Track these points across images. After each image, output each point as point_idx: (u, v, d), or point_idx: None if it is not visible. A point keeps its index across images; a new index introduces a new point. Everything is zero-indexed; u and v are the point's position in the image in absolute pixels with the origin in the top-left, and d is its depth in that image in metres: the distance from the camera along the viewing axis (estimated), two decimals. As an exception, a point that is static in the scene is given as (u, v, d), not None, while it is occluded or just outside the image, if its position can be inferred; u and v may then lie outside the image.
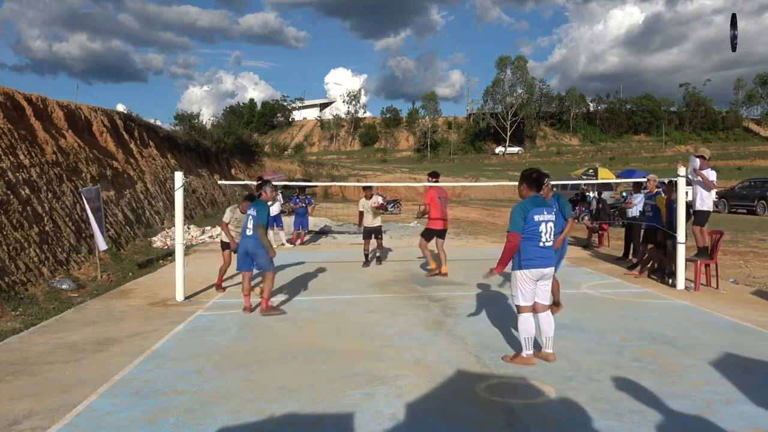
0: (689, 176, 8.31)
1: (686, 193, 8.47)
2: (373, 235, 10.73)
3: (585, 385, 4.30)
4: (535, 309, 4.87)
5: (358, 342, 5.51)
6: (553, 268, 4.95)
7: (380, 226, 10.81)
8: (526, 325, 4.81)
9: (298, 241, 14.45)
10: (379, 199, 10.81)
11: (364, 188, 10.96)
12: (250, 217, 6.74)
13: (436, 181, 9.65)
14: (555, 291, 6.26)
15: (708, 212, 8.47)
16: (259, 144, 48.35)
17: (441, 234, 9.36)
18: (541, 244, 4.75)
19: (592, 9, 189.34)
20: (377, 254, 10.96)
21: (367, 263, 10.66)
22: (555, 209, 4.99)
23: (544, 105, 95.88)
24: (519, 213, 4.73)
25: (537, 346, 4.92)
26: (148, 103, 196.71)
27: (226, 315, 6.71)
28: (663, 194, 9.08)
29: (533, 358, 4.82)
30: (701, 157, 8.38)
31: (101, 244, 9.02)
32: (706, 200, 8.36)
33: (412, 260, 11.23)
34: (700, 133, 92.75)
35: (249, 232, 6.71)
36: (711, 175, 8.29)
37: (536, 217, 4.74)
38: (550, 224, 4.82)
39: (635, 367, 4.72)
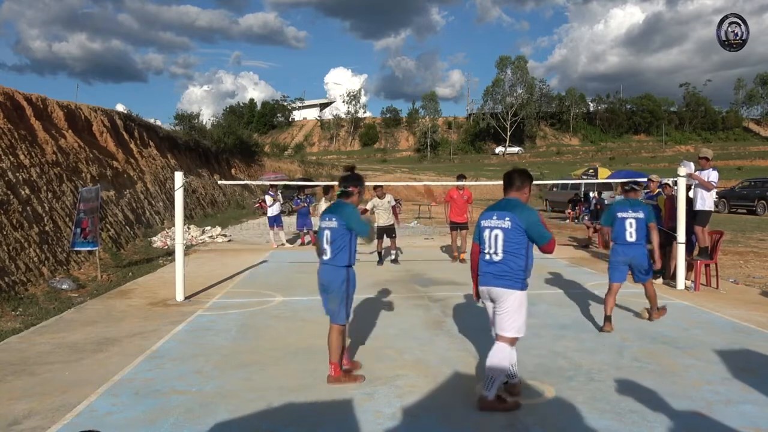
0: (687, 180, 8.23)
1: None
2: (385, 235, 10.74)
3: (585, 385, 4.30)
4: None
5: (358, 342, 5.51)
6: (506, 289, 3.83)
7: (393, 224, 10.82)
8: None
9: (306, 239, 14.17)
10: (393, 201, 10.80)
11: (375, 187, 10.91)
12: (328, 230, 4.38)
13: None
14: (651, 297, 6.16)
15: (709, 212, 8.46)
16: (259, 144, 48.31)
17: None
18: (487, 257, 3.94)
19: (592, 9, 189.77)
20: (392, 254, 10.96)
21: (380, 262, 10.68)
22: (512, 219, 3.85)
23: (544, 105, 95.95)
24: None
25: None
26: (148, 103, 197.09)
27: (226, 315, 6.70)
28: (663, 194, 9.08)
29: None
30: (704, 158, 8.36)
31: (71, 243, 8.96)
32: (707, 200, 8.35)
33: (413, 260, 11.24)
34: (700, 133, 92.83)
35: (327, 255, 4.40)
36: (713, 175, 8.27)
37: (482, 223, 3.99)
38: (497, 232, 3.87)
39: (635, 367, 4.72)
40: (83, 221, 8.99)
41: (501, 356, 3.85)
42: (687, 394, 4.10)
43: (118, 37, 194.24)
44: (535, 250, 3.96)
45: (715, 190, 8.53)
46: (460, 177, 11.51)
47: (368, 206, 10.81)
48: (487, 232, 3.93)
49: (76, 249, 9.36)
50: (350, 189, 4.49)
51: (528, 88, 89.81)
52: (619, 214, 6.01)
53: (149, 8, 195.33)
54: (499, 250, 3.86)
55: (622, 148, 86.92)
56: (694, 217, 8.36)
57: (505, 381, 4.04)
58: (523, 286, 3.87)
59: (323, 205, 10.47)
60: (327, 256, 4.35)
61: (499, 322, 3.91)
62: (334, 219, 4.33)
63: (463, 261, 10.53)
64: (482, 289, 4.01)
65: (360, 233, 4.31)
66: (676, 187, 8.48)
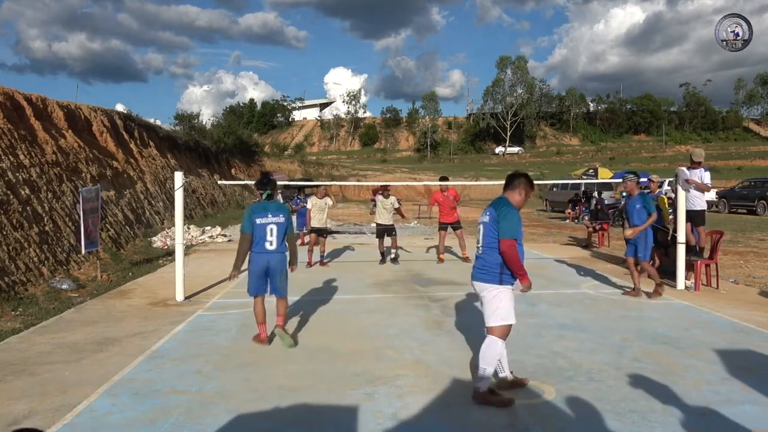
0: (680, 186, 8.18)
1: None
2: (386, 233, 10.88)
3: (585, 385, 4.30)
4: None
5: (358, 342, 5.51)
6: (485, 284, 3.95)
7: (393, 224, 11.01)
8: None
9: (306, 239, 14.23)
10: (397, 203, 11.00)
11: (382, 187, 11.27)
12: (274, 225, 5.34)
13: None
14: (649, 274, 7.48)
15: (703, 211, 8.52)
16: (259, 144, 48.35)
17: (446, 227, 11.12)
18: (476, 251, 4.10)
19: (592, 9, 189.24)
20: (392, 253, 11.06)
21: (383, 260, 10.81)
22: (491, 214, 4.00)
23: (544, 105, 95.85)
24: None
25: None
26: (148, 103, 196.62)
27: (226, 315, 6.70)
28: (664, 195, 9.10)
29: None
30: (698, 163, 8.38)
31: (83, 247, 8.93)
32: (697, 200, 8.40)
33: (412, 260, 11.24)
34: (701, 133, 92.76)
35: (273, 245, 5.33)
36: (705, 177, 8.31)
37: (479, 219, 4.19)
38: (480, 227, 4.05)
39: (635, 367, 4.72)
40: (86, 221, 8.99)
41: (491, 348, 3.98)
42: (687, 394, 4.10)
43: (118, 37, 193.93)
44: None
45: (707, 191, 8.59)
46: (443, 179, 11.80)
47: (378, 204, 11.01)
48: (479, 228, 4.09)
49: (88, 251, 9.29)
50: (273, 192, 5.53)
51: (528, 88, 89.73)
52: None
53: (149, 8, 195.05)
54: (481, 244, 4.00)
55: (622, 148, 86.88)
56: (690, 218, 8.37)
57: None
58: (501, 281, 3.90)
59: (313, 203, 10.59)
60: (274, 246, 5.28)
61: (485, 314, 4.05)
62: (282, 216, 5.33)
63: (447, 259, 10.85)
64: (471, 283, 4.15)
65: (291, 230, 5.52)
66: (668, 188, 8.53)
